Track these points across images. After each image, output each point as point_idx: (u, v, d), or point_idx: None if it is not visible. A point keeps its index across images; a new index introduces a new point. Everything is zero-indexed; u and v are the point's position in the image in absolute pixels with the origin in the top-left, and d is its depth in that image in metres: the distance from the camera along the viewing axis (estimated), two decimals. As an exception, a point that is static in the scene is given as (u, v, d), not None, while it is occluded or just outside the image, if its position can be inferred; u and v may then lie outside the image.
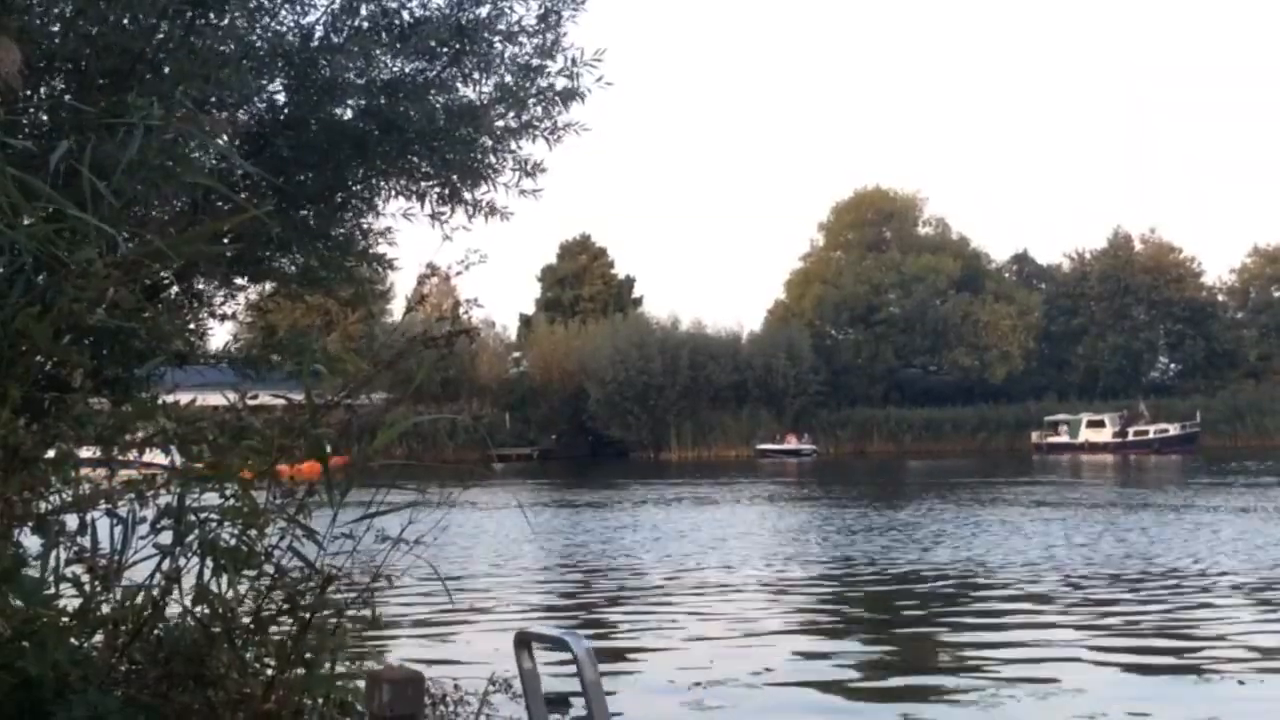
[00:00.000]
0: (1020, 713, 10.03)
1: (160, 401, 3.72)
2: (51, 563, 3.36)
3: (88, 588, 3.38)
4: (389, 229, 8.36)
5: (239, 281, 8.07)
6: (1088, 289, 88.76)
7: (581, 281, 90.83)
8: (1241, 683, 10.82)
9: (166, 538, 3.43)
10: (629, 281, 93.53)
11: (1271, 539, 22.27)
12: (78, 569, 3.40)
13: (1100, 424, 76.65)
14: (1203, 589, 16.70)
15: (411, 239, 8.41)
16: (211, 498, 3.50)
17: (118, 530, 3.48)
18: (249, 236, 6.83)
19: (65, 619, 3.26)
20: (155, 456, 3.66)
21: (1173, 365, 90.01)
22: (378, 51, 7.26)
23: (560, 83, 7.70)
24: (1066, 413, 79.45)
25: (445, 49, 7.39)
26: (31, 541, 3.42)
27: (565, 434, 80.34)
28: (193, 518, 3.43)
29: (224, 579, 3.44)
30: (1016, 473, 51.01)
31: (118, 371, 4.28)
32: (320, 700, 3.52)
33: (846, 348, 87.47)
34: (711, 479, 50.80)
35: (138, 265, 3.60)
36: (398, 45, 7.30)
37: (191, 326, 7.20)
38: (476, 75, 7.60)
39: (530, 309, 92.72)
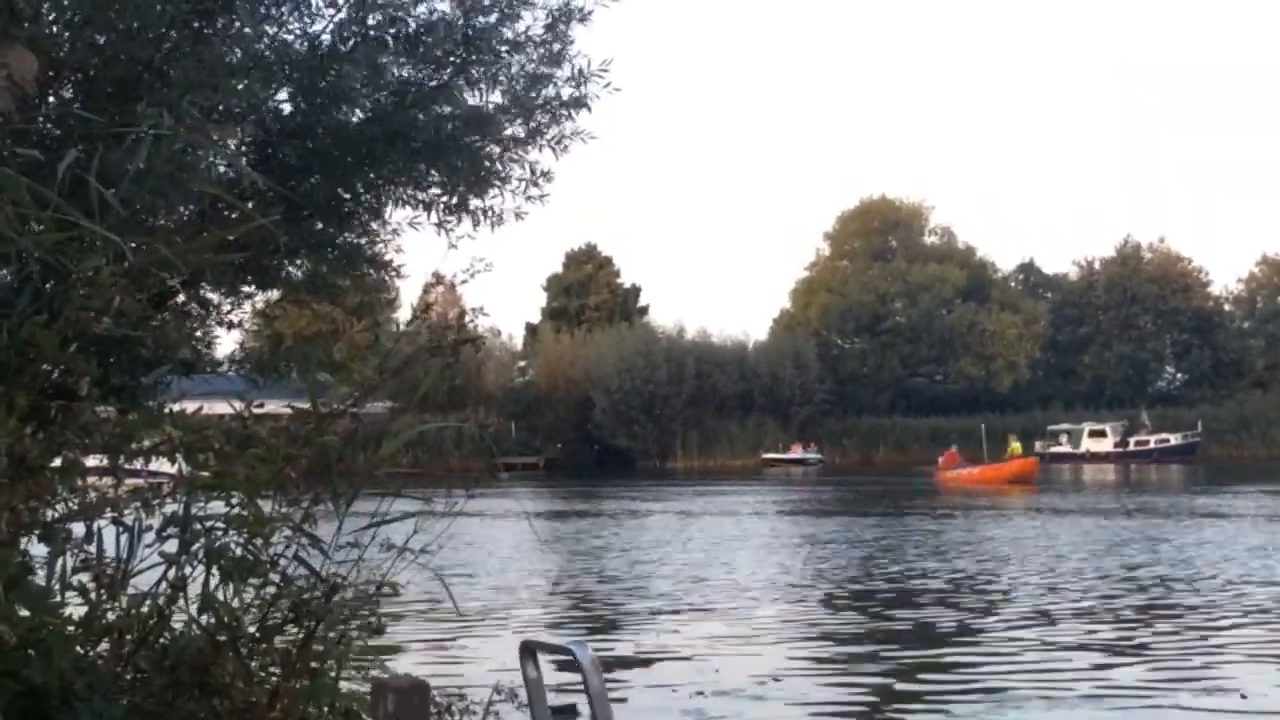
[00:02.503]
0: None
1: (167, 410, 3.72)
2: (58, 571, 3.36)
3: (94, 596, 3.38)
4: (396, 235, 8.38)
5: (246, 289, 8.09)
6: (1094, 298, 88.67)
7: (587, 290, 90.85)
8: (1244, 696, 10.78)
9: (172, 546, 3.43)
10: (635, 290, 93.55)
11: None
12: (84, 577, 3.40)
13: (1102, 434, 76.48)
14: (1202, 595, 16.67)
15: (418, 247, 8.43)
16: (217, 506, 3.50)
17: (124, 538, 3.48)
18: (256, 244, 6.84)
19: (71, 627, 3.26)
20: (161, 465, 3.66)
21: (1179, 375, 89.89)
22: (385, 60, 7.27)
23: (567, 92, 7.72)
24: (1072, 422, 79.26)
25: (452, 58, 7.40)
26: (38, 549, 3.42)
27: (571, 443, 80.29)
28: (198, 526, 3.43)
29: (229, 587, 3.44)
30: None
31: (124, 380, 4.29)
32: (325, 709, 3.52)
33: (852, 357, 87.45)
34: (717, 488, 50.76)
35: (145, 274, 3.61)
36: (405, 54, 7.31)
37: (198, 335, 7.21)
38: (484, 84, 7.61)
39: (536, 318, 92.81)
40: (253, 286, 8.13)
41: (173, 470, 3.61)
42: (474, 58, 7.40)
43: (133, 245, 3.57)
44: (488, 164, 7.71)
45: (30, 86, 4.10)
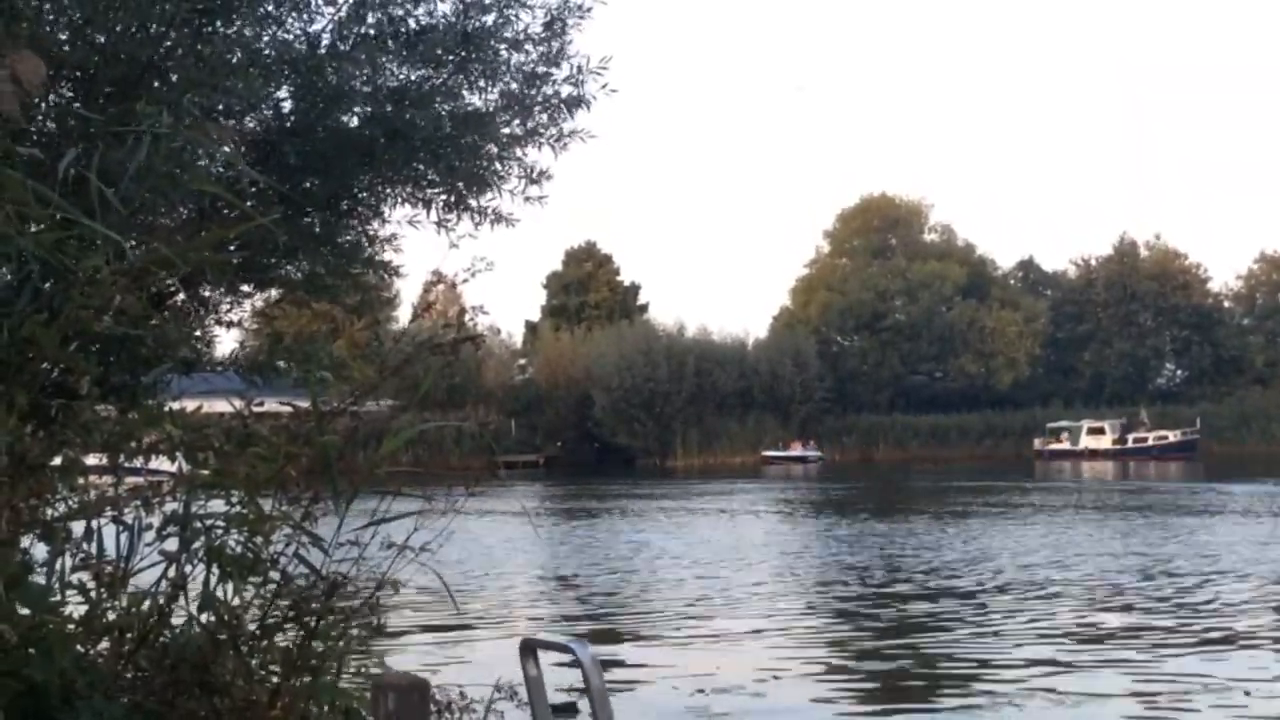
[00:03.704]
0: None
1: (167, 409, 3.72)
2: (58, 569, 3.36)
3: (94, 594, 3.39)
4: (395, 236, 8.38)
5: (245, 288, 8.07)
6: (1094, 295, 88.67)
7: (587, 288, 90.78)
8: (1248, 694, 10.79)
9: (172, 544, 3.43)
10: (634, 288, 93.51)
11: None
12: (84, 576, 3.40)
13: (1101, 431, 76.65)
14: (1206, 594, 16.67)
15: (417, 246, 8.42)
16: (217, 505, 3.51)
17: (124, 537, 3.48)
18: (255, 243, 6.83)
19: (71, 626, 3.26)
20: (161, 463, 3.66)
21: (1179, 372, 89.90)
22: (384, 59, 7.27)
23: (565, 90, 7.71)
24: (1072, 419, 79.34)
25: (451, 57, 7.40)
26: (38, 548, 3.42)
27: (571, 441, 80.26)
28: (199, 525, 3.43)
29: (230, 586, 3.44)
30: (1019, 479, 50.92)
31: (124, 378, 4.29)
32: (326, 707, 3.52)
33: (852, 355, 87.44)
34: (717, 486, 50.77)
35: (145, 272, 3.61)
36: (404, 53, 7.31)
37: (198, 334, 7.20)
38: (482, 83, 7.60)
39: (536, 316, 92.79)
40: (251, 286, 8.12)
41: (173, 469, 3.61)
42: (473, 57, 7.39)
43: (133, 244, 3.57)
44: (485, 163, 7.70)
45: (37, 92, 4.10)
